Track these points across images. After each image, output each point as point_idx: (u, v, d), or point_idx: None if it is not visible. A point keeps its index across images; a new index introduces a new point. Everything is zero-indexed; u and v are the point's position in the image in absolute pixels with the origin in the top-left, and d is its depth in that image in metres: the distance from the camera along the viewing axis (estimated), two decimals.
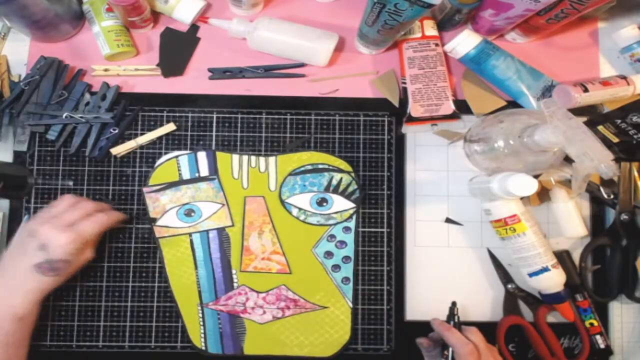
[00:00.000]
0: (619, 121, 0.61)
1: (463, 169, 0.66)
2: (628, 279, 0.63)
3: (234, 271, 0.63)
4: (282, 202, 0.64)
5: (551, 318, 0.64)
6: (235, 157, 0.65)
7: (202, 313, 0.63)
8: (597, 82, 0.63)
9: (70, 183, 0.64)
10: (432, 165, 0.66)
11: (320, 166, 0.65)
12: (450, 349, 0.55)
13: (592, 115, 0.65)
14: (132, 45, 0.66)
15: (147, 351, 0.63)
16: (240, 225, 0.64)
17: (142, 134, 0.65)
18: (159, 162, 0.65)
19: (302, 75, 0.67)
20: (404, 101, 0.66)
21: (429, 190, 0.66)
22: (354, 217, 0.65)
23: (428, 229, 0.65)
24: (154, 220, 0.63)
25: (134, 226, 0.64)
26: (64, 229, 0.54)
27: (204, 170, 0.65)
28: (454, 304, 0.59)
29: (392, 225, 0.65)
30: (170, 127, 0.65)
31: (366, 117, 0.67)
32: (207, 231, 0.64)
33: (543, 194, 0.66)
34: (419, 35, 0.66)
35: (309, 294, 0.63)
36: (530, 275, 0.61)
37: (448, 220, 0.65)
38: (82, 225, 0.55)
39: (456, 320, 0.58)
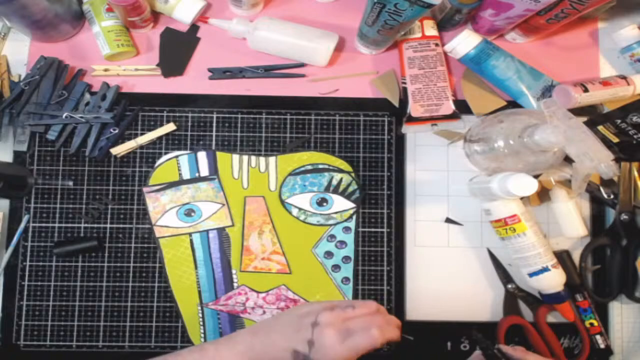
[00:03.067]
0: (619, 121, 0.61)
1: (463, 169, 0.66)
2: (628, 279, 0.63)
3: (234, 271, 0.63)
4: (282, 202, 0.64)
5: (551, 318, 0.64)
6: (236, 157, 0.65)
7: (202, 313, 0.63)
8: (597, 82, 0.63)
9: (70, 183, 0.64)
10: (432, 165, 0.66)
11: (320, 166, 0.65)
12: None
13: (592, 115, 0.65)
14: (132, 45, 0.66)
15: (147, 351, 0.63)
16: (240, 225, 0.64)
17: (142, 134, 0.65)
18: (159, 162, 0.65)
19: (302, 75, 0.67)
20: (404, 101, 0.66)
21: (429, 190, 0.66)
22: (354, 217, 0.65)
23: (428, 229, 0.65)
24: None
25: (134, 226, 0.64)
26: (343, 339, 0.47)
27: (204, 170, 0.65)
28: (478, 332, 0.55)
29: (392, 225, 0.65)
30: (170, 127, 0.65)
31: (366, 117, 0.67)
32: (207, 231, 0.64)
33: (543, 194, 0.66)
34: (419, 35, 0.66)
35: (309, 294, 0.63)
36: (531, 275, 0.61)
37: (448, 220, 0.65)
38: (359, 341, 0.48)
39: (491, 346, 0.54)
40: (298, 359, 0.48)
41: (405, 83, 0.66)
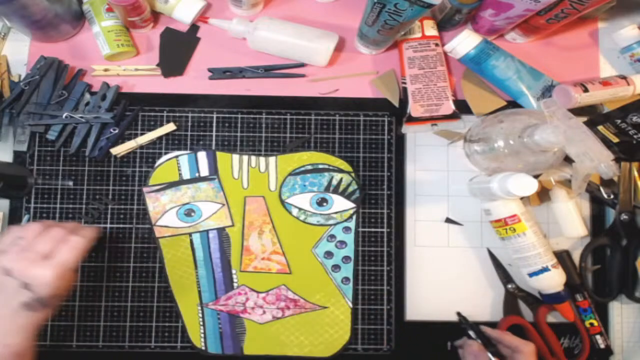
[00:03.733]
0: (619, 121, 0.61)
1: (463, 169, 0.66)
2: (628, 279, 0.63)
3: (234, 271, 0.63)
4: (282, 202, 0.64)
5: (551, 318, 0.64)
6: (236, 157, 0.65)
7: (202, 313, 0.63)
8: (597, 82, 0.63)
9: (70, 183, 0.64)
10: (432, 165, 0.66)
11: (320, 166, 0.65)
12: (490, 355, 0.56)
13: (592, 115, 0.65)
14: (132, 45, 0.66)
15: (147, 351, 0.63)
16: (240, 225, 0.64)
17: (142, 134, 0.65)
18: (159, 162, 0.65)
19: (302, 75, 0.67)
20: (404, 101, 0.66)
21: (429, 190, 0.66)
22: (354, 217, 0.65)
23: (428, 229, 0.65)
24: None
25: (134, 226, 0.64)
26: (44, 263, 0.48)
27: (204, 170, 0.65)
28: (459, 314, 0.62)
29: (392, 225, 0.65)
30: (170, 127, 0.65)
31: (366, 117, 0.67)
32: (207, 231, 0.64)
33: (543, 194, 0.66)
34: (419, 35, 0.66)
35: (309, 294, 0.63)
36: (530, 275, 0.61)
37: (448, 220, 0.65)
38: (62, 255, 0.49)
39: (470, 324, 0.60)
40: (33, 305, 0.47)
41: (405, 83, 0.66)
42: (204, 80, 0.67)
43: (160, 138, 0.65)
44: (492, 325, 0.63)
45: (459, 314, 0.62)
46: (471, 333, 0.60)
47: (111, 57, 0.65)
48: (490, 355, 0.56)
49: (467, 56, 0.64)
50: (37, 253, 0.49)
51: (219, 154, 0.65)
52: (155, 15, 0.68)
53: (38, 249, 0.49)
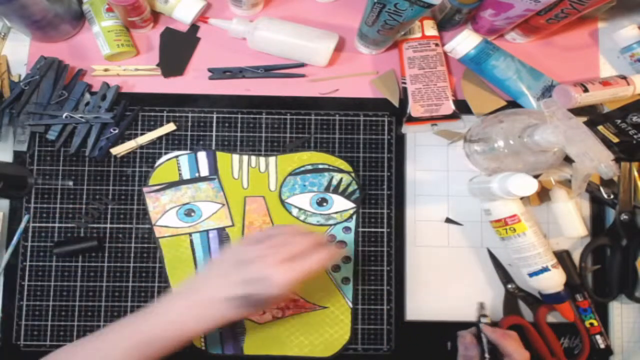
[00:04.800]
0: (619, 121, 0.61)
1: (463, 169, 0.66)
2: (628, 279, 0.63)
3: None
4: (282, 202, 0.64)
5: (551, 318, 0.64)
6: (236, 157, 0.65)
7: None
8: (597, 82, 0.63)
9: (70, 183, 0.64)
10: (432, 165, 0.66)
11: (320, 166, 0.65)
12: (486, 349, 0.56)
13: (592, 115, 0.65)
14: (132, 45, 0.66)
15: None
16: (240, 225, 0.64)
17: (142, 134, 0.65)
18: (159, 162, 0.65)
19: (302, 75, 0.67)
20: (404, 101, 0.66)
21: (429, 190, 0.66)
22: (354, 217, 0.65)
23: (428, 229, 0.65)
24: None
25: (134, 226, 0.64)
26: (286, 264, 0.46)
27: (204, 170, 0.65)
28: (481, 304, 0.60)
29: (392, 225, 0.65)
30: (170, 127, 0.65)
31: (366, 117, 0.67)
32: (207, 231, 0.64)
33: (543, 194, 0.66)
34: (419, 35, 0.66)
35: (309, 294, 0.63)
36: (531, 275, 0.61)
37: (448, 220, 0.65)
38: (307, 262, 0.46)
39: (486, 321, 0.59)
40: (236, 304, 0.46)
41: (405, 83, 0.66)
42: (204, 80, 0.67)
43: (160, 138, 0.65)
44: (493, 325, 0.63)
45: (481, 304, 0.60)
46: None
47: (111, 57, 0.65)
48: (482, 350, 0.56)
49: (467, 56, 0.64)
50: (284, 253, 0.47)
51: (219, 154, 0.65)
52: (155, 15, 0.68)
53: (286, 249, 0.47)
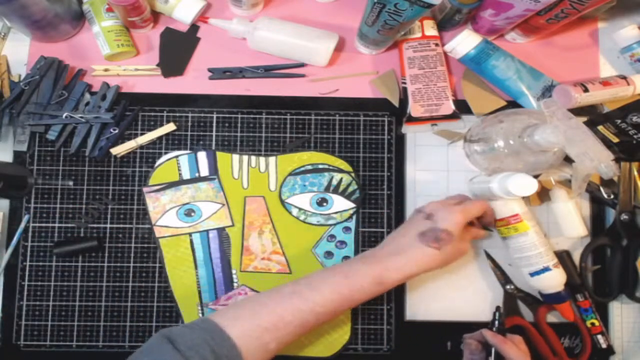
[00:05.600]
0: (619, 121, 0.61)
1: (463, 169, 0.66)
2: (628, 279, 0.63)
3: (234, 271, 0.63)
4: (282, 202, 0.64)
5: (551, 318, 0.64)
6: (236, 157, 0.65)
7: (202, 313, 0.63)
8: (597, 82, 0.63)
9: (70, 183, 0.64)
10: (432, 165, 0.66)
11: (320, 166, 0.65)
12: (494, 357, 0.56)
13: (592, 115, 0.65)
14: (132, 45, 0.66)
15: None
16: (240, 225, 0.64)
17: (142, 134, 0.65)
18: (159, 162, 0.65)
19: (302, 75, 0.67)
20: (404, 101, 0.66)
21: (429, 190, 0.66)
22: (354, 217, 0.65)
23: None
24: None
25: (134, 226, 0.64)
26: (451, 206, 0.56)
27: (204, 170, 0.65)
28: (497, 308, 0.59)
29: (392, 225, 0.65)
30: (170, 127, 0.65)
31: (366, 117, 0.67)
32: (207, 231, 0.64)
33: (543, 194, 0.66)
34: (419, 35, 0.66)
35: None
36: (532, 274, 0.61)
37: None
38: (467, 205, 0.57)
39: (499, 326, 0.58)
40: (427, 236, 0.54)
41: (405, 83, 0.66)
42: (204, 80, 0.67)
43: (160, 138, 0.65)
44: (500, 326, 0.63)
45: (498, 307, 0.60)
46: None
47: (111, 57, 0.65)
48: (488, 354, 0.56)
49: (467, 56, 0.64)
50: (444, 202, 0.59)
51: (219, 154, 0.65)
52: (155, 15, 0.68)
53: (447, 200, 0.60)
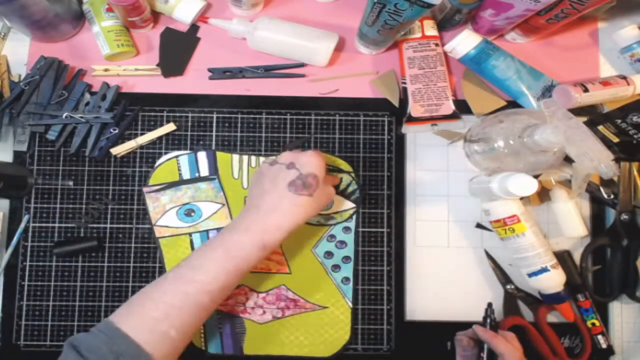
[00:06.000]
0: (619, 121, 0.61)
1: (463, 169, 0.66)
2: (629, 279, 0.63)
3: None
4: None
5: (551, 318, 0.64)
6: (236, 157, 0.65)
7: None
8: (597, 82, 0.63)
9: (70, 183, 0.64)
10: (432, 165, 0.66)
11: None
12: (486, 353, 0.56)
13: (592, 115, 0.65)
14: (132, 45, 0.66)
15: None
16: None
17: (142, 134, 0.65)
18: (159, 162, 0.65)
19: (302, 75, 0.67)
20: (404, 101, 0.66)
21: (429, 190, 0.66)
22: (354, 217, 0.65)
23: (428, 229, 0.65)
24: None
25: (134, 226, 0.64)
26: (305, 152, 0.55)
27: (204, 170, 0.65)
28: (489, 305, 0.59)
29: (392, 225, 0.65)
30: (170, 127, 0.65)
31: (366, 117, 0.67)
32: (207, 231, 0.64)
33: (543, 194, 0.66)
34: (419, 35, 0.66)
35: (309, 294, 0.63)
36: (530, 275, 0.61)
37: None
38: (313, 151, 0.55)
39: (491, 322, 0.58)
40: (296, 184, 0.53)
41: (405, 83, 0.66)
42: (204, 80, 0.67)
43: (160, 138, 0.65)
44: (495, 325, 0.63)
45: (489, 304, 0.60)
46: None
47: (111, 57, 0.65)
48: (480, 350, 0.57)
49: (467, 56, 0.64)
50: (294, 151, 0.56)
51: (219, 154, 0.65)
52: (155, 15, 0.68)
53: (293, 150, 0.57)
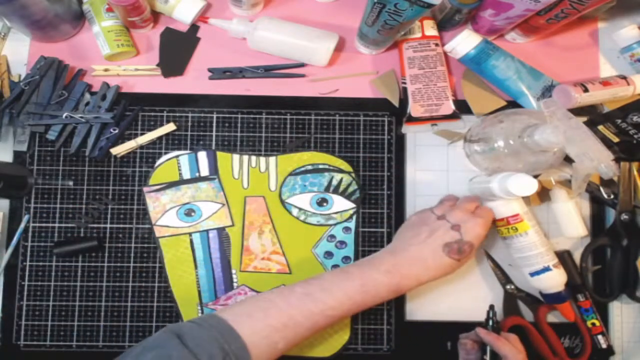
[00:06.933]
0: (619, 121, 0.61)
1: (463, 169, 0.66)
2: (629, 278, 0.63)
3: (233, 271, 0.63)
4: (282, 202, 0.64)
5: (551, 318, 0.64)
6: (236, 157, 0.65)
7: (202, 313, 0.63)
8: (597, 82, 0.63)
9: (70, 183, 0.64)
10: (432, 165, 0.66)
11: (321, 166, 0.65)
12: (489, 355, 0.56)
13: (592, 115, 0.65)
14: (132, 45, 0.66)
15: None
16: (240, 225, 0.64)
17: (142, 134, 0.65)
18: (159, 162, 0.65)
19: (302, 75, 0.67)
20: (404, 101, 0.66)
21: (429, 190, 0.66)
22: (354, 217, 0.65)
23: None
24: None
25: (134, 226, 0.64)
26: (473, 216, 0.56)
27: (204, 170, 0.65)
28: (491, 307, 0.60)
29: (392, 225, 0.65)
30: (170, 127, 0.65)
31: (366, 117, 0.67)
32: (207, 231, 0.64)
33: (543, 194, 0.66)
34: (419, 35, 0.66)
35: None
36: (532, 274, 0.61)
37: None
38: (485, 216, 0.56)
39: (493, 325, 0.59)
40: (452, 247, 0.54)
41: (405, 83, 0.66)
42: (204, 80, 0.67)
43: (160, 138, 0.65)
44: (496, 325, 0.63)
45: (491, 306, 0.60)
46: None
47: (111, 57, 0.65)
48: (483, 352, 0.57)
49: (467, 56, 0.64)
50: (465, 209, 0.57)
51: (219, 154, 0.65)
52: (155, 15, 0.68)
53: (463, 206, 0.57)
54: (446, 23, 0.67)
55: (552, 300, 0.62)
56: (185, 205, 0.64)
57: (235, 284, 0.63)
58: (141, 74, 0.66)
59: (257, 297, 0.52)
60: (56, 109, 0.64)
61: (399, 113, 0.67)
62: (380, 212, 0.65)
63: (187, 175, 0.64)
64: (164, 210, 0.64)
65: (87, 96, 0.65)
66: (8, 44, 0.67)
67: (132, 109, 0.65)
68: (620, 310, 0.65)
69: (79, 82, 0.65)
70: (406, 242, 0.56)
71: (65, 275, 0.63)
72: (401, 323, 0.64)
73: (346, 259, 0.64)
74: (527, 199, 0.65)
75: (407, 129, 0.66)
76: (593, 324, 0.63)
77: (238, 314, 0.49)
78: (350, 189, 0.65)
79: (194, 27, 0.68)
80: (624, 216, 0.63)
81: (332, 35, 0.64)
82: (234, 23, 0.65)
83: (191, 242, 0.64)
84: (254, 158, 0.65)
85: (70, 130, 0.64)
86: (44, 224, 0.64)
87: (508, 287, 0.64)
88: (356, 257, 0.64)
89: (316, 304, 0.50)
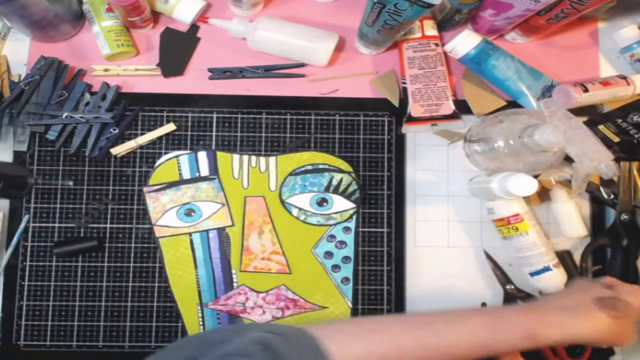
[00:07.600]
0: (619, 120, 0.61)
1: (463, 169, 0.66)
2: (629, 279, 0.63)
3: (233, 271, 0.63)
4: (282, 202, 0.64)
5: None
6: (236, 157, 0.65)
7: (202, 313, 0.63)
8: (597, 82, 0.63)
9: (70, 183, 0.64)
10: (432, 165, 0.66)
11: (321, 166, 0.65)
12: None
13: (592, 115, 0.65)
14: (132, 45, 0.66)
15: (147, 351, 0.63)
16: (240, 225, 0.64)
17: (142, 134, 0.65)
18: (159, 162, 0.65)
19: (302, 75, 0.67)
20: (404, 101, 0.66)
21: (429, 190, 0.66)
22: (354, 217, 0.65)
23: (428, 229, 0.65)
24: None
25: (134, 226, 0.64)
26: (631, 285, 0.51)
27: (204, 170, 0.65)
28: (483, 305, 0.59)
29: (392, 225, 0.65)
30: (170, 127, 0.65)
31: (366, 117, 0.67)
32: (207, 231, 0.64)
33: (543, 194, 0.66)
34: (419, 35, 0.66)
35: (309, 294, 0.63)
36: (532, 274, 0.61)
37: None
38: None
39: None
40: (605, 301, 0.48)
41: (405, 83, 0.66)
42: (204, 80, 0.67)
43: (160, 138, 0.65)
44: None
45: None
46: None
47: (111, 57, 0.65)
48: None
49: (467, 56, 0.64)
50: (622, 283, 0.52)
51: (219, 154, 0.65)
52: (155, 15, 0.68)
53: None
54: (446, 23, 0.67)
55: None
56: (185, 205, 0.64)
57: (235, 284, 0.63)
58: (141, 74, 0.66)
59: (364, 320, 0.48)
60: (56, 109, 0.64)
61: (399, 113, 0.67)
62: (380, 212, 0.65)
63: (187, 175, 0.64)
64: (164, 210, 0.64)
65: (87, 96, 0.65)
66: (8, 44, 0.67)
67: (132, 109, 0.65)
68: None
69: (79, 82, 0.65)
70: (553, 295, 0.52)
71: (65, 275, 0.63)
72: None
73: (346, 259, 0.64)
74: (527, 199, 0.65)
75: (407, 129, 0.66)
76: None
77: (341, 339, 0.44)
78: (350, 189, 0.65)
79: (194, 27, 0.68)
80: (624, 216, 0.63)
81: (332, 35, 0.64)
82: (234, 23, 0.65)
83: (191, 242, 0.64)
84: (254, 158, 0.65)
85: (70, 130, 0.64)
86: (44, 224, 0.64)
87: (508, 287, 0.64)
88: (356, 257, 0.64)
89: (436, 337, 0.45)
